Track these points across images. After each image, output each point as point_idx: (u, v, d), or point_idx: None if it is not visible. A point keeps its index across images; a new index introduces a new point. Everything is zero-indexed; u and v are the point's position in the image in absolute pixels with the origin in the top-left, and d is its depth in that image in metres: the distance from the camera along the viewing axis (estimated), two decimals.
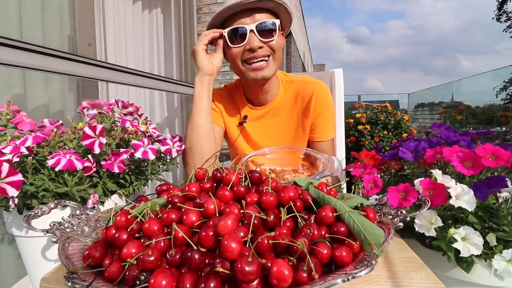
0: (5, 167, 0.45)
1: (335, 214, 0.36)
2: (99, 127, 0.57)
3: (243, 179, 0.45)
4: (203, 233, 0.31)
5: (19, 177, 0.46)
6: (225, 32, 0.77)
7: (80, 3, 1.32)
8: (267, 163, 0.73)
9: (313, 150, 0.74)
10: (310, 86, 0.89)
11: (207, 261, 0.31)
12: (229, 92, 0.98)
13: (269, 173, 0.63)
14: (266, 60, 0.78)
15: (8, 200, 0.47)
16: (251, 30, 0.75)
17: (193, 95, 0.80)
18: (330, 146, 0.93)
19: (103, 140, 0.57)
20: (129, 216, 0.37)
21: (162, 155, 0.73)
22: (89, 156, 0.55)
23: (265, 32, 0.76)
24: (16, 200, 0.48)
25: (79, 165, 0.51)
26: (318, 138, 0.90)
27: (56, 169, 0.49)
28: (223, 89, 1.00)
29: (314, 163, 0.68)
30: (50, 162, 0.50)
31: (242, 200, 0.39)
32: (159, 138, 0.77)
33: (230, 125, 0.96)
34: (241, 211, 0.36)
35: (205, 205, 0.36)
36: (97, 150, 0.56)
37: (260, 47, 0.76)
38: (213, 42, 0.81)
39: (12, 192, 0.45)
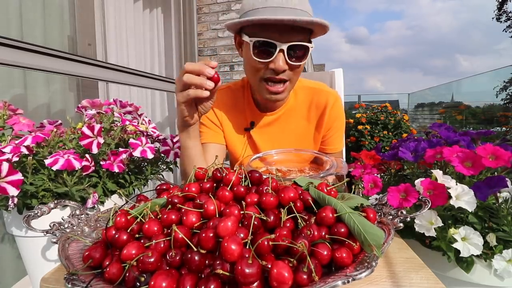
0: (5, 166, 0.45)
1: (335, 215, 0.36)
2: (97, 127, 0.57)
3: (243, 179, 0.45)
4: (203, 235, 0.31)
5: (19, 176, 0.46)
6: (251, 41, 0.66)
7: (80, 3, 1.32)
8: (274, 163, 0.72)
9: (321, 153, 0.71)
10: (324, 96, 0.83)
11: (207, 262, 0.31)
12: (234, 93, 0.88)
13: (276, 172, 0.63)
14: (284, 82, 0.70)
15: (8, 199, 0.47)
16: (281, 50, 0.65)
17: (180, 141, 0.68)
18: (338, 157, 0.87)
19: (101, 140, 0.57)
20: (129, 217, 0.37)
21: (161, 155, 0.73)
22: (87, 155, 0.55)
23: (295, 55, 0.67)
24: (16, 200, 0.48)
25: (77, 165, 0.51)
26: (329, 150, 0.86)
27: (54, 168, 0.49)
28: (225, 90, 0.88)
29: (321, 166, 0.68)
30: (47, 162, 0.50)
31: (242, 201, 0.39)
32: (159, 137, 0.77)
33: (233, 133, 0.87)
34: (241, 212, 0.36)
35: (205, 206, 0.36)
36: (95, 150, 0.56)
37: (284, 70, 0.68)
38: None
39: (12, 191, 0.45)
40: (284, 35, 0.64)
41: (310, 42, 0.69)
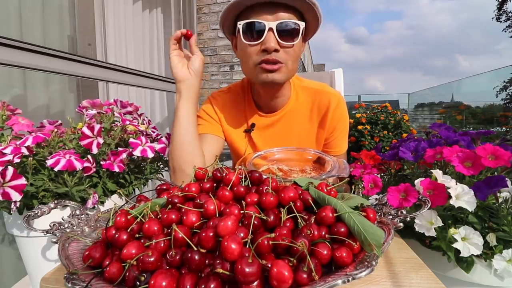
0: (10, 170, 0.45)
1: (335, 215, 0.36)
2: (97, 127, 0.57)
3: (243, 179, 0.45)
4: (203, 234, 0.31)
5: (22, 181, 0.46)
6: (240, 24, 0.67)
7: (80, 3, 1.32)
8: (276, 162, 0.71)
9: (322, 152, 0.70)
10: (326, 97, 0.81)
11: (207, 262, 0.31)
12: (234, 95, 0.87)
13: (276, 171, 0.63)
14: (280, 63, 0.69)
15: (10, 203, 0.47)
16: (270, 29, 0.64)
17: None
18: (343, 158, 0.88)
19: (101, 140, 0.57)
20: (129, 217, 0.37)
21: (161, 155, 0.73)
22: (89, 156, 0.55)
23: (286, 34, 0.66)
24: (18, 203, 0.48)
25: (78, 165, 0.51)
26: (333, 152, 0.84)
27: (55, 169, 0.49)
28: (225, 92, 0.88)
29: (323, 165, 0.67)
30: (49, 162, 0.50)
31: (242, 201, 0.39)
32: (159, 137, 0.77)
33: (234, 134, 0.85)
34: (241, 211, 0.36)
35: (205, 205, 0.36)
36: (95, 150, 0.56)
37: (276, 50, 0.66)
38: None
39: (16, 196, 0.45)
40: (272, 14, 0.65)
41: (302, 21, 0.69)
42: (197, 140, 0.70)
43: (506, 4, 14.80)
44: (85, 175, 0.54)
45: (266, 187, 0.40)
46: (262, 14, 0.65)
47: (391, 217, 0.42)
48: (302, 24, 0.68)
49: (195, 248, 0.30)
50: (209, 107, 0.86)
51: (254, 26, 0.66)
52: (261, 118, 0.84)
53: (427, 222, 0.46)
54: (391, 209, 0.44)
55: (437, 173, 0.48)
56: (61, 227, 0.42)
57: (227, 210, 0.35)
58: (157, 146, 0.69)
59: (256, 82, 0.75)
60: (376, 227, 0.34)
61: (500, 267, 0.43)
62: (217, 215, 0.35)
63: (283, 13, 0.66)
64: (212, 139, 0.81)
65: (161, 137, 0.74)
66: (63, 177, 0.52)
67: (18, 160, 0.47)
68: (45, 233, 0.41)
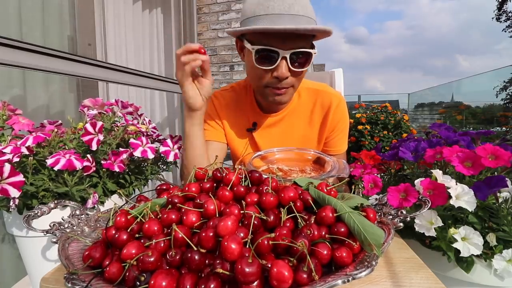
0: (7, 167, 0.45)
1: (335, 215, 0.36)
2: (99, 123, 0.57)
3: (243, 179, 0.45)
4: (203, 234, 0.31)
5: (20, 177, 0.46)
6: (253, 50, 0.65)
7: (80, 3, 1.32)
8: (276, 161, 0.72)
9: (322, 153, 0.71)
10: (328, 97, 0.83)
11: (207, 262, 0.31)
12: (237, 94, 0.88)
13: (276, 171, 0.63)
14: (287, 87, 0.71)
15: (9, 200, 0.47)
16: (284, 57, 0.64)
17: (184, 130, 0.72)
18: (342, 158, 0.87)
19: (101, 137, 0.57)
20: (129, 217, 0.37)
21: (161, 155, 0.73)
22: (88, 156, 0.55)
23: (298, 62, 0.67)
24: (17, 201, 0.48)
25: (78, 165, 0.51)
26: (332, 151, 0.86)
27: (55, 169, 0.49)
28: (228, 91, 0.89)
29: (323, 166, 0.67)
30: (49, 162, 0.50)
31: (242, 201, 0.39)
32: (159, 138, 0.77)
33: (236, 133, 0.87)
34: (241, 211, 0.36)
35: (205, 205, 0.36)
36: (94, 146, 0.56)
37: (287, 77, 0.67)
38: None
39: (14, 193, 0.45)
40: (286, 42, 0.64)
41: (313, 47, 0.69)
42: (207, 155, 0.74)
43: (506, 4, 14.80)
44: (85, 174, 0.54)
45: (266, 187, 0.40)
46: (276, 39, 0.64)
47: (391, 217, 0.42)
48: (314, 52, 0.67)
49: (195, 248, 0.30)
50: (211, 107, 0.87)
51: (267, 53, 0.65)
52: (263, 118, 0.84)
53: (427, 222, 0.46)
54: (391, 209, 0.44)
55: (437, 173, 0.48)
56: (61, 227, 0.42)
57: (227, 210, 0.35)
58: (162, 149, 0.69)
59: (263, 99, 0.77)
60: (376, 227, 0.34)
61: (500, 267, 0.43)
62: (217, 215, 0.35)
63: (297, 41, 0.64)
64: (217, 145, 0.84)
65: (165, 139, 0.74)
66: (63, 177, 0.52)
67: (18, 160, 0.47)
68: (45, 233, 0.41)
